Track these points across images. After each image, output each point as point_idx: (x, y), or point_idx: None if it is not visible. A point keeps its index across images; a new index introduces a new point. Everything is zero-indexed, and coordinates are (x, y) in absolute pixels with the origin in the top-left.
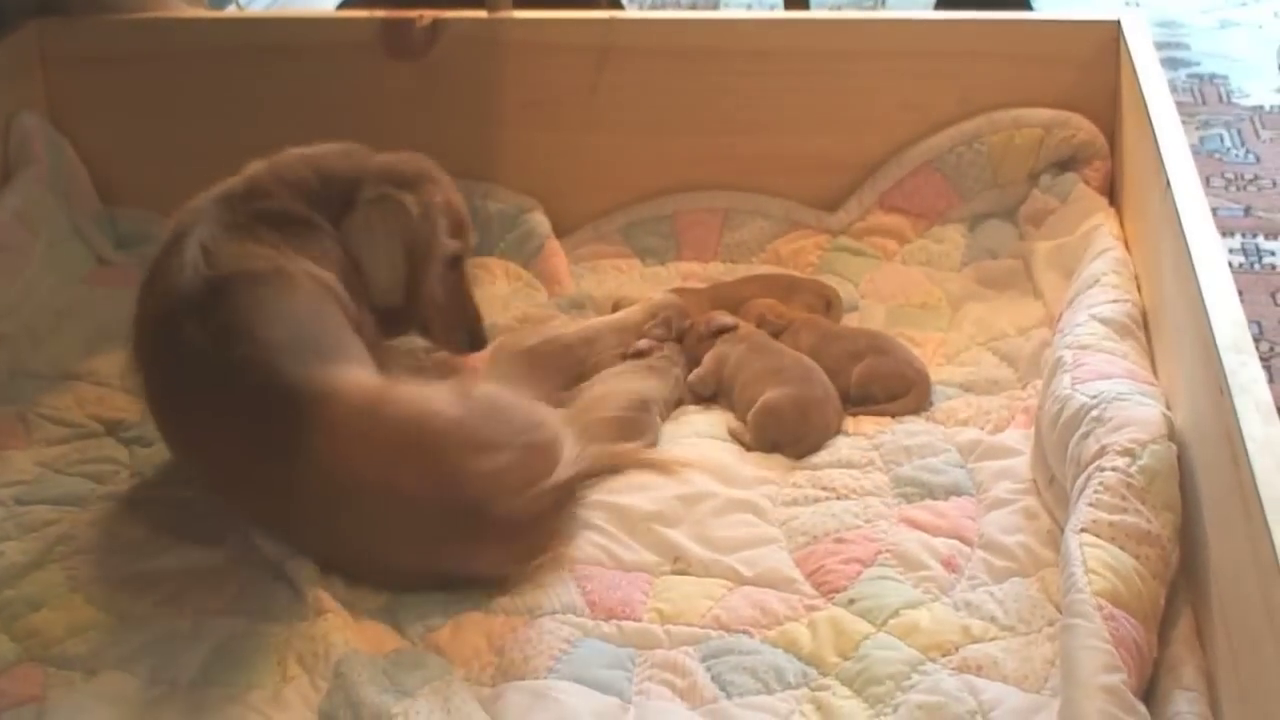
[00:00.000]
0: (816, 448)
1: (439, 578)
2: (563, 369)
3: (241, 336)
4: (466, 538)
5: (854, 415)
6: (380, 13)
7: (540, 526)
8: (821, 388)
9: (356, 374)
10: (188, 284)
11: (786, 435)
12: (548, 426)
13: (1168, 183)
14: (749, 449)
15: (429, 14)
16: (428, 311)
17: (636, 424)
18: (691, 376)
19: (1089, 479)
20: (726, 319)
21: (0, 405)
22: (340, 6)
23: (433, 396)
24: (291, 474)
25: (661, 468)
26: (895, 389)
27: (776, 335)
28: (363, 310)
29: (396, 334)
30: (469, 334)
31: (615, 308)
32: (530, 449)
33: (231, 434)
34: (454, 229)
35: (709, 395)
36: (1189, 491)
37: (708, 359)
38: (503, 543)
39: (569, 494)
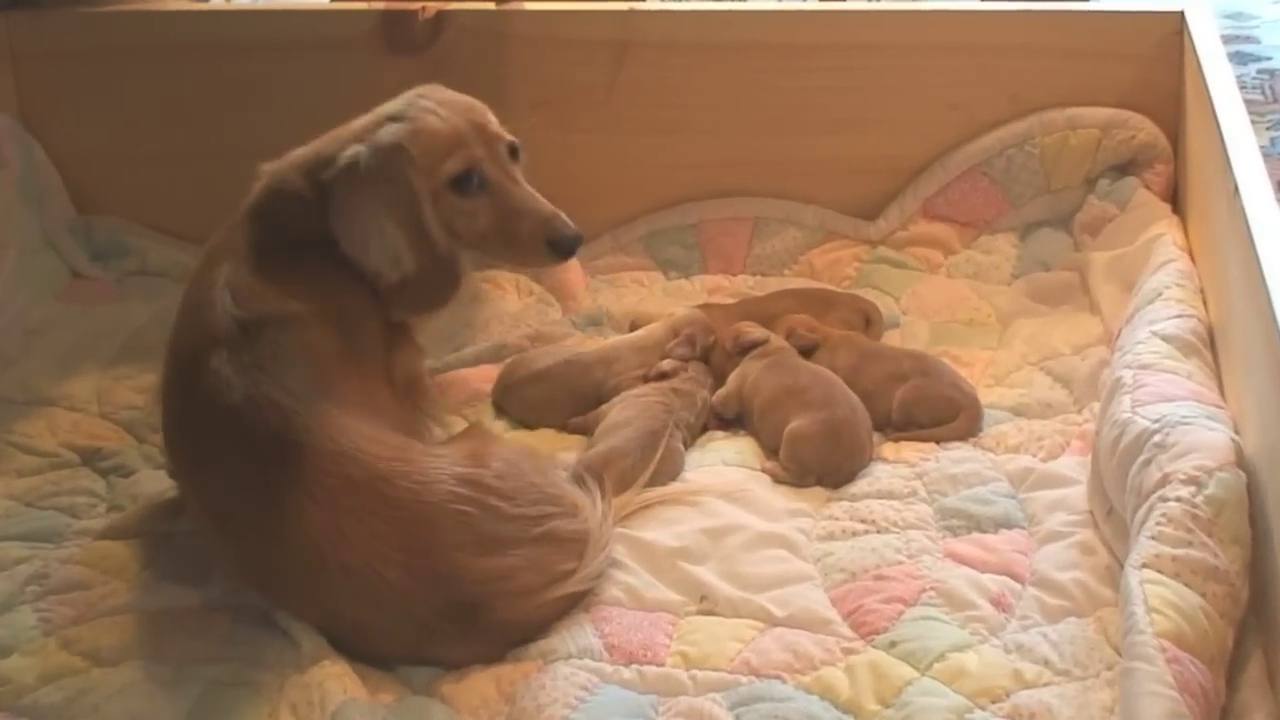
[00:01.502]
0: (852, 474)
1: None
2: (579, 392)
3: (264, 377)
4: (458, 637)
5: (896, 441)
6: (380, 4)
7: (547, 627)
8: (847, 405)
9: (366, 435)
10: (218, 322)
11: (822, 466)
12: (569, 513)
13: (1236, 188)
14: (790, 485)
15: (432, 5)
16: (469, 245)
17: (659, 454)
18: (715, 397)
19: (1151, 510)
20: (755, 332)
21: None
22: None
23: (442, 470)
24: (284, 532)
25: (686, 498)
26: (941, 413)
27: (809, 354)
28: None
29: (446, 296)
30: (546, 242)
31: (635, 325)
32: (546, 543)
33: (236, 474)
34: (448, 146)
35: (732, 417)
36: (1259, 523)
37: (732, 378)
38: (502, 644)
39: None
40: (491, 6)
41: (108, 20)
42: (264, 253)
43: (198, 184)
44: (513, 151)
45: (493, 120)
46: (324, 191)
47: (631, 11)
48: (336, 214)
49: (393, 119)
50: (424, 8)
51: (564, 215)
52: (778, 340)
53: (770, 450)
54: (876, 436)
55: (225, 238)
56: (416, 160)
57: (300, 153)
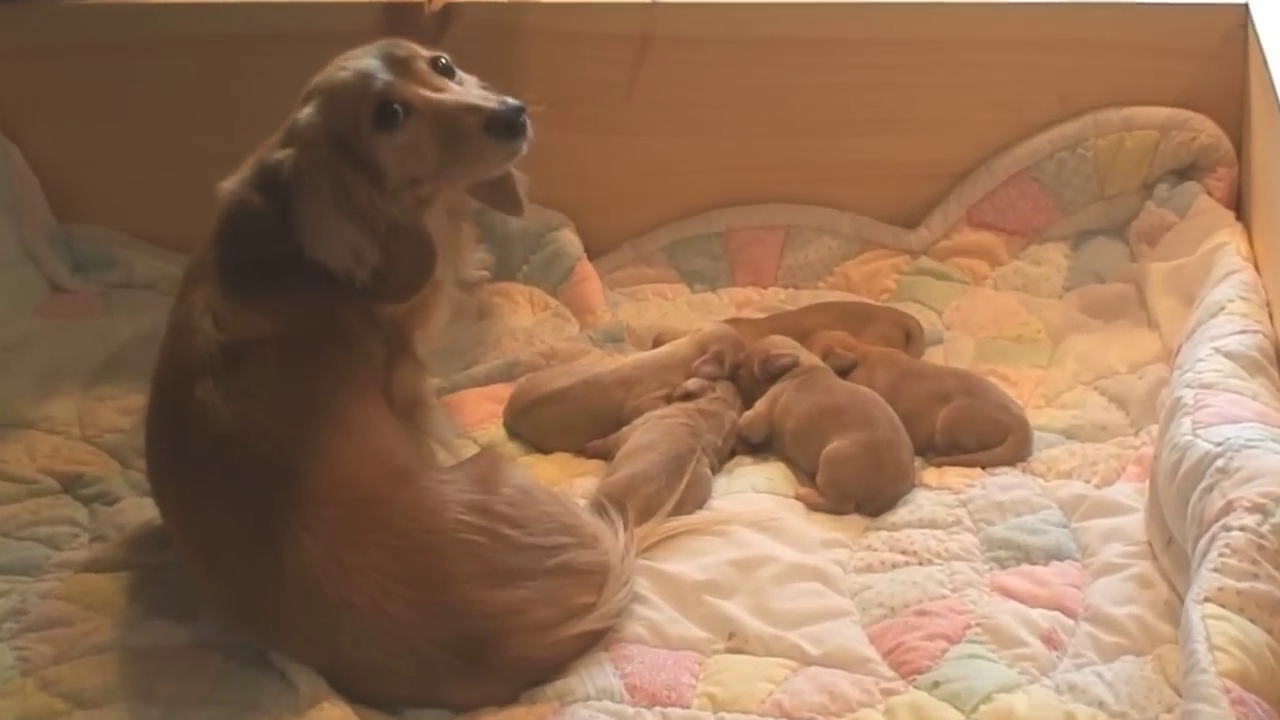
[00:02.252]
0: (894, 500)
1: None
2: (597, 414)
3: (253, 404)
4: (468, 676)
5: (940, 466)
6: None
7: (563, 666)
8: (888, 426)
9: (366, 460)
10: (201, 349)
11: (863, 491)
12: (587, 543)
13: None
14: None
15: None
16: (434, 183)
17: (686, 480)
18: (742, 420)
19: (1213, 540)
20: (785, 354)
21: None
22: None
23: (448, 497)
24: (279, 567)
25: (713, 528)
26: (988, 436)
27: (845, 373)
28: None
29: (425, 267)
30: (485, 131)
31: (658, 342)
32: (562, 575)
33: (227, 508)
34: (357, 92)
35: (761, 441)
36: None
37: (762, 400)
38: (514, 683)
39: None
40: None
41: (91, 13)
42: (241, 273)
43: (189, 189)
44: (442, 67)
45: (411, 46)
46: (282, 203)
47: (654, 4)
48: (296, 223)
49: (307, 98)
50: (430, 0)
51: (496, 92)
52: (810, 358)
53: (804, 476)
54: (918, 461)
55: (200, 259)
56: (338, 128)
57: (250, 162)
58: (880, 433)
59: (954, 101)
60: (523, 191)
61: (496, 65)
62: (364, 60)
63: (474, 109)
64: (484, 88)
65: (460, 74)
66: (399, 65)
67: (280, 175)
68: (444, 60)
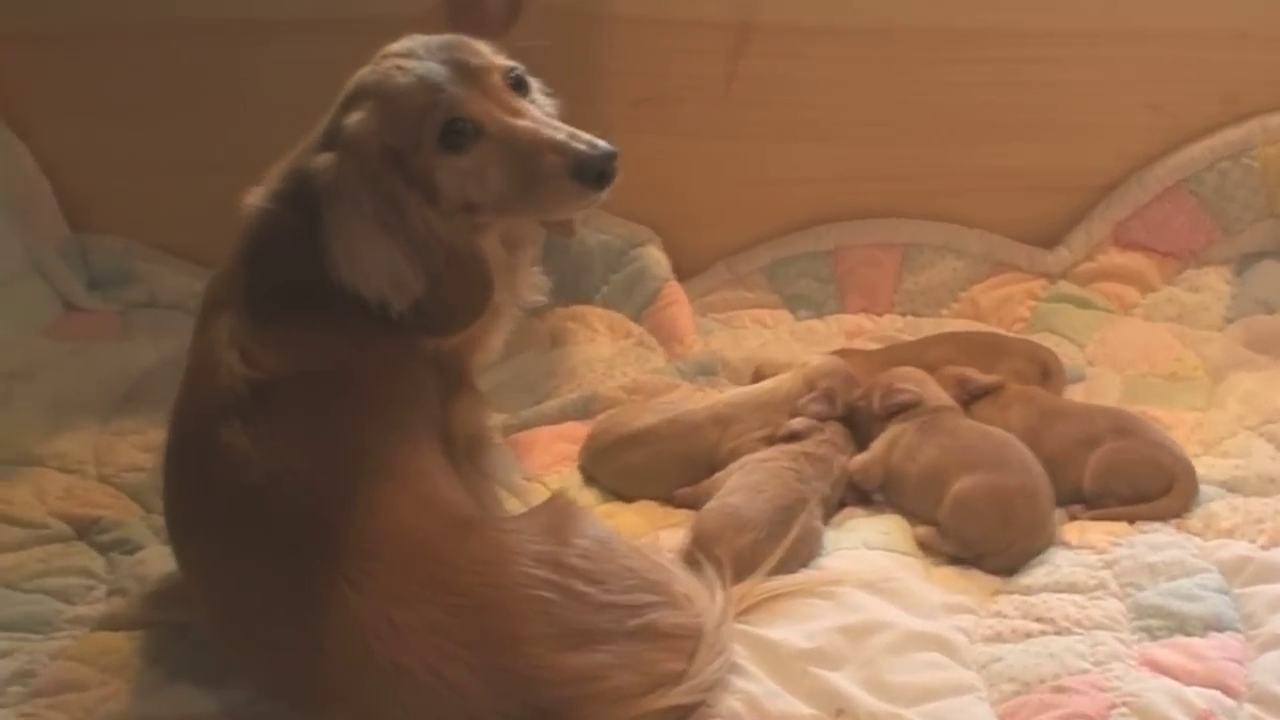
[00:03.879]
0: (1028, 556)
1: None
2: (687, 457)
3: (286, 448)
4: None
5: (1080, 519)
6: None
7: None
8: (1026, 471)
9: (419, 507)
10: (226, 387)
11: (991, 542)
12: (675, 603)
13: None
14: (946, 558)
15: None
16: (495, 214)
17: (791, 533)
18: (853, 464)
19: None
20: (908, 388)
21: None
22: None
23: (514, 549)
24: (322, 630)
25: (820, 589)
26: (1148, 483)
27: (969, 405)
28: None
29: (479, 302)
30: (570, 174)
31: (758, 376)
32: (645, 638)
33: (259, 566)
34: (422, 101)
35: (874, 489)
36: None
37: (878, 441)
38: None
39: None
40: None
41: None
42: (270, 298)
43: (219, 196)
44: (516, 82)
45: (482, 51)
46: (314, 217)
47: None
48: (327, 239)
49: (355, 98)
50: None
51: (583, 133)
52: (938, 395)
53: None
54: (1057, 512)
55: (223, 282)
56: (394, 143)
57: (278, 172)
58: (1013, 477)
59: (1099, 103)
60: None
61: (571, 58)
62: (428, 64)
63: (559, 148)
64: (547, 94)
65: (534, 88)
66: (470, 75)
67: (317, 182)
68: (519, 73)
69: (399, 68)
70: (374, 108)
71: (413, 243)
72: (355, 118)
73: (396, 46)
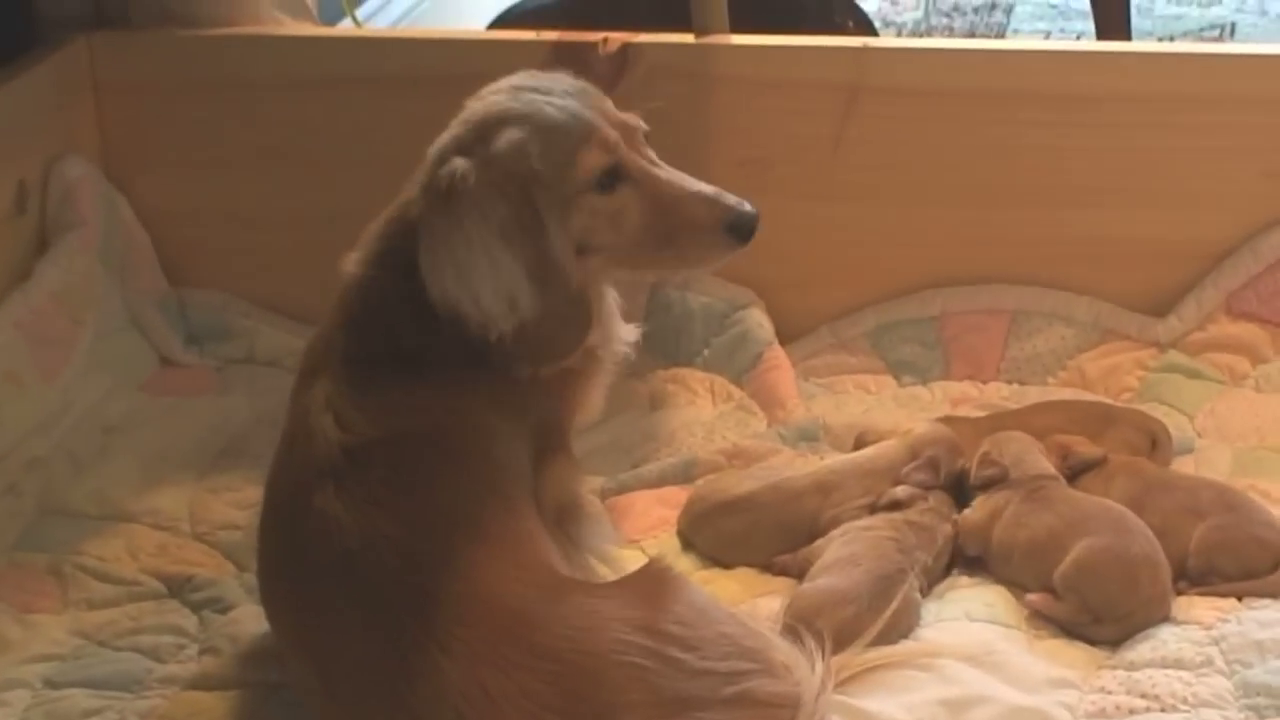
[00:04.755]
0: (1144, 626)
1: None
2: (787, 524)
3: (381, 513)
4: None
5: (1193, 595)
6: (552, 34)
7: None
8: (1150, 542)
9: (511, 574)
10: (321, 453)
11: (1111, 606)
12: (773, 672)
13: None
14: (1050, 631)
15: (617, 36)
16: (615, 258)
17: (891, 604)
18: (962, 522)
19: None
20: (997, 461)
21: (27, 553)
22: (494, 24)
23: (609, 614)
24: (414, 696)
25: (920, 660)
26: (1253, 561)
27: (1076, 477)
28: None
29: (576, 339)
30: (726, 227)
31: (861, 443)
32: (742, 707)
33: (352, 631)
34: (578, 140)
35: (975, 555)
36: None
37: (979, 509)
38: None
39: None
40: (690, 39)
41: (215, 46)
42: (366, 365)
43: (319, 251)
44: (645, 138)
45: (610, 103)
46: (418, 291)
47: (865, 49)
48: (427, 249)
49: (497, 122)
50: (607, 39)
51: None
52: (1040, 464)
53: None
54: None
55: (319, 347)
56: (542, 169)
57: (373, 231)
58: (1138, 545)
59: (1213, 169)
60: None
61: (680, 116)
62: (576, 104)
63: (711, 201)
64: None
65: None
66: (617, 123)
67: (437, 186)
68: (645, 130)
69: (549, 103)
70: (530, 133)
71: (540, 265)
72: (510, 135)
73: (520, 80)
